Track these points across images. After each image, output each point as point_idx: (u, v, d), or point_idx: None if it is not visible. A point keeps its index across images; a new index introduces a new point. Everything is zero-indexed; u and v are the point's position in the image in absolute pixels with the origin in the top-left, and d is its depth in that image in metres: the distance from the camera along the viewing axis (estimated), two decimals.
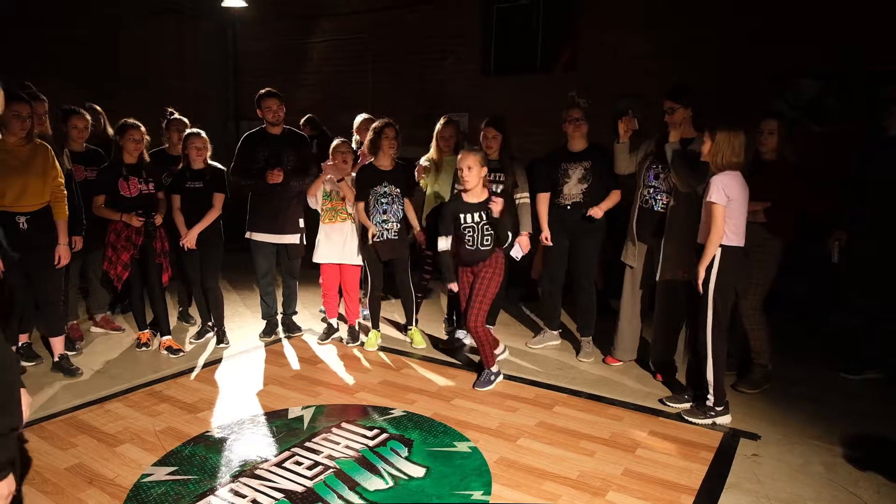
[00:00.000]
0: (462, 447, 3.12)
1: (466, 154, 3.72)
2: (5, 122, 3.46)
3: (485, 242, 3.73)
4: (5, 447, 1.45)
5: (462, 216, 3.73)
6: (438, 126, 4.62)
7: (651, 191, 3.96)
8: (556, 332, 4.67)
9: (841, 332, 4.63)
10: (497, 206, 3.58)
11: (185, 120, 4.77)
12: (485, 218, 3.70)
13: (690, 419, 3.41)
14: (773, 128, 3.70)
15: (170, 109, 4.82)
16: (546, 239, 4.33)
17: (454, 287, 3.90)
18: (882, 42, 5.07)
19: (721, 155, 3.21)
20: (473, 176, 3.67)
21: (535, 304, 5.42)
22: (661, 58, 5.90)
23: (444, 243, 3.78)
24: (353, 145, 4.99)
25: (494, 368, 3.88)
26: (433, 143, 4.64)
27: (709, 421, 3.39)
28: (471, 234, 3.73)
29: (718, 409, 3.40)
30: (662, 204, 3.90)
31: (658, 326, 3.97)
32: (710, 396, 3.40)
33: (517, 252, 4.35)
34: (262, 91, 4.57)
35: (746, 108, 3.91)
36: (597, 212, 4.12)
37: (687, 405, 3.58)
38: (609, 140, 4.13)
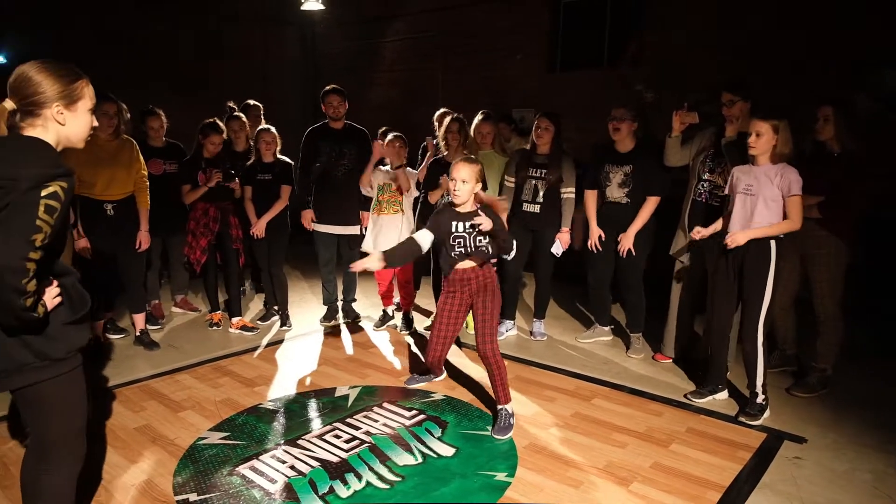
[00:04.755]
0: None
1: (462, 165, 3.10)
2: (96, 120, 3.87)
3: (478, 243, 3.17)
4: None
5: (454, 224, 3.18)
6: (476, 121, 4.55)
7: (706, 184, 3.87)
8: (607, 329, 4.64)
9: None
10: (485, 224, 3.05)
11: (243, 117, 4.98)
12: (475, 229, 3.16)
13: (749, 423, 3.30)
14: (829, 114, 3.51)
15: (230, 104, 5.03)
16: (595, 245, 4.25)
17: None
18: None
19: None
20: (466, 191, 3.11)
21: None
22: (730, 52, 5.68)
23: (422, 234, 3.21)
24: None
25: (510, 407, 3.30)
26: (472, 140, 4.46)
27: (762, 420, 3.30)
28: (462, 242, 3.18)
29: (764, 403, 3.34)
30: (717, 198, 3.81)
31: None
32: (762, 394, 3.31)
33: (557, 248, 4.35)
34: (326, 88, 4.81)
35: (819, 100, 3.71)
36: (625, 243, 4.10)
37: (707, 399, 3.56)
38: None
